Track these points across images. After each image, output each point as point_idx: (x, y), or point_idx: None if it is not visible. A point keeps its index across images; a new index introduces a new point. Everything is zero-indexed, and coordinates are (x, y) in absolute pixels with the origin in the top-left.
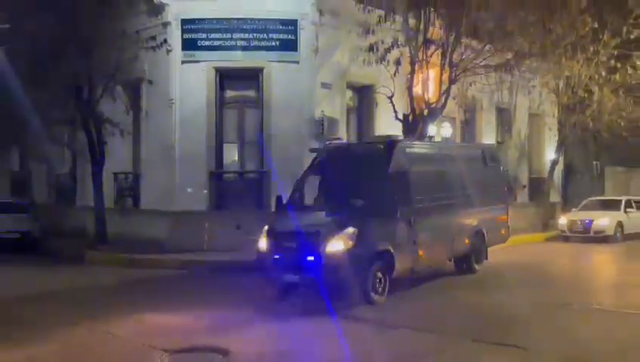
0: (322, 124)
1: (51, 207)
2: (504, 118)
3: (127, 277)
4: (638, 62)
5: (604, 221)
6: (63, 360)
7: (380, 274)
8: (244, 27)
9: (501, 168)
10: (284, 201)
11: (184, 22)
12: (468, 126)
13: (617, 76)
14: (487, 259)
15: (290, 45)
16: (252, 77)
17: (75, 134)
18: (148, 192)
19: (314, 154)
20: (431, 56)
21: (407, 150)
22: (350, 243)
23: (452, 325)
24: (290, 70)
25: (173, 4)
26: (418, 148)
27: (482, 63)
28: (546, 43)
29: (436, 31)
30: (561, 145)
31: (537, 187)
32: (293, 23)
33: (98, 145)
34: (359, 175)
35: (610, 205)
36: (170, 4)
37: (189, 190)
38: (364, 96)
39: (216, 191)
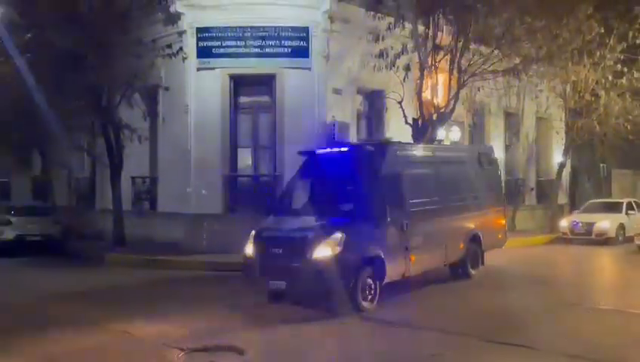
0: (333, 129)
1: (71, 210)
2: (512, 121)
3: (147, 278)
4: None
5: (605, 223)
6: (80, 357)
7: (369, 281)
8: (257, 35)
9: (498, 171)
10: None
11: (199, 30)
12: (476, 130)
13: (624, 80)
14: (483, 264)
15: (302, 52)
16: (265, 83)
17: (94, 140)
18: (164, 195)
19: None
20: (440, 61)
21: (399, 153)
22: (338, 248)
23: (462, 325)
24: (302, 76)
25: (188, 14)
26: (410, 151)
27: (490, 68)
28: (552, 48)
29: (445, 37)
30: (569, 148)
31: (545, 189)
32: (305, 30)
33: (116, 150)
34: (349, 179)
35: (612, 207)
36: (185, 14)
37: (203, 192)
38: (374, 101)
39: (230, 195)
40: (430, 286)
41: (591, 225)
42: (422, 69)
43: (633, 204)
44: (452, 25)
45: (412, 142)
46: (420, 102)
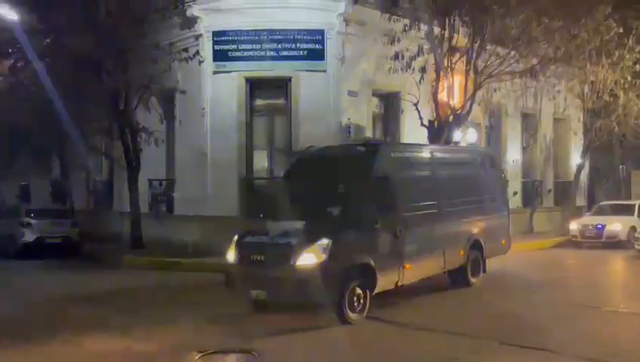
0: (349, 131)
1: (89, 212)
2: (529, 123)
3: (164, 280)
4: None
5: (616, 226)
6: (99, 357)
7: (358, 290)
8: (273, 38)
9: (502, 174)
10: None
11: (215, 34)
12: (493, 131)
13: None
14: (485, 271)
15: (318, 55)
16: (281, 86)
17: (112, 143)
18: (181, 198)
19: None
20: (456, 63)
21: (393, 154)
22: (323, 256)
23: (476, 328)
24: (318, 79)
25: (204, 18)
26: (406, 152)
27: (507, 69)
28: (570, 48)
29: (461, 38)
30: (587, 150)
31: (563, 191)
32: (321, 33)
33: (134, 153)
34: (338, 181)
35: (623, 209)
36: (202, 18)
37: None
38: (390, 104)
39: (246, 197)
40: (436, 292)
41: (601, 227)
42: (438, 71)
43: None
44: (468, 26)
45: (426, 143)
46: (436, 104)
